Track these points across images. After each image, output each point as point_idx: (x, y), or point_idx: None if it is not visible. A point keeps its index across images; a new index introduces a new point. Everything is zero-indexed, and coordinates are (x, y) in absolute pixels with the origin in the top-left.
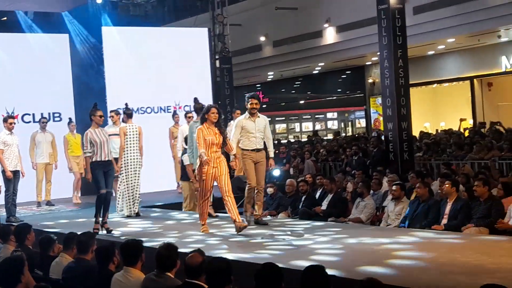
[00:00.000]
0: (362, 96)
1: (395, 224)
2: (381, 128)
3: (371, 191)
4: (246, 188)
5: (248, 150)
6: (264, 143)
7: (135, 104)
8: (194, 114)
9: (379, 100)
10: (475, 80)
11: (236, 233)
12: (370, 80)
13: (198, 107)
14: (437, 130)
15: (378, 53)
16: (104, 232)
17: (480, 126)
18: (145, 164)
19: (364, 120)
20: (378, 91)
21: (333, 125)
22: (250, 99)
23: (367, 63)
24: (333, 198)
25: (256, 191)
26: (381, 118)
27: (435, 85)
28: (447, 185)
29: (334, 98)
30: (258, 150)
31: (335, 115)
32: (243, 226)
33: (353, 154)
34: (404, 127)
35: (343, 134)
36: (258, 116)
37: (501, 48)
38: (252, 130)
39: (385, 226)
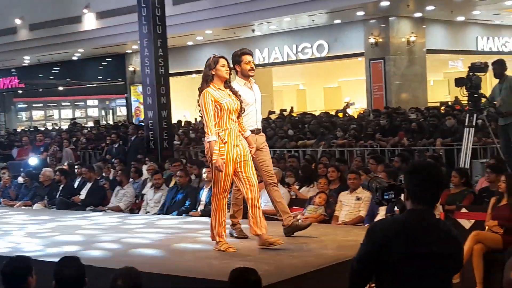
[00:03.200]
0: (123, 84)
1: (154, 211)
2: (142, 116)
3: (131, 179)
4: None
5: None
6: None
7: None
8: None
9: (140, 88)
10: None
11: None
12: (131, 68)
13: None
14: (195, 119)
15: (139, 42)
16: None
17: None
18: None
19: (125, 108)
20: (139, 80)
21: (93, 112)
22: (242, 56)
23: (128, 51)
24: (91, 187)
25: (270, 186)
26: (142, 107)
27: (194, 75)
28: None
29: (95, 85)
30: (259, 130)
31: (96, 102)
32: (276, 243)
33: (113, 142)
34: (164, 116)
35: (104, 122)
36: (254, 83)
37: (255, 42)
38: (251, 100)
39: (144, 214)
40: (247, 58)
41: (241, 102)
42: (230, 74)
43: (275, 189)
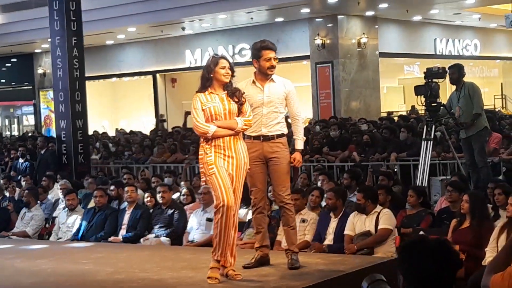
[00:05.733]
0: (30, 88)
1: (68, 237)
2: (53, 126)
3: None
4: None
5: (250, 138)
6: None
7: None
8: None
9: (50, 94)
10: (158, 75)
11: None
12: (40, 71)
13: None
14: (116, 129)
15: (50, 40)
16: None
17: (162, 121)
18: None
19: (33, 116)
20: (50, 84)
21: None
22: (263, 51)
23: (37, 51)
24: None
25: (281, 208)
26: (53, 115)
27: (114, 79)
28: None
29: None
30: (266, 137)
31: None
32: (235, 278)
33: (19, 157)
34: (80, 126)
35: (8, 133)
36: (273, 81)
37: (186, 42)
38: (257, 102)
39: (55, 240)
40: (268, 54)
41: (242, 103)
42: (233, 76)
43: (285, 213)
